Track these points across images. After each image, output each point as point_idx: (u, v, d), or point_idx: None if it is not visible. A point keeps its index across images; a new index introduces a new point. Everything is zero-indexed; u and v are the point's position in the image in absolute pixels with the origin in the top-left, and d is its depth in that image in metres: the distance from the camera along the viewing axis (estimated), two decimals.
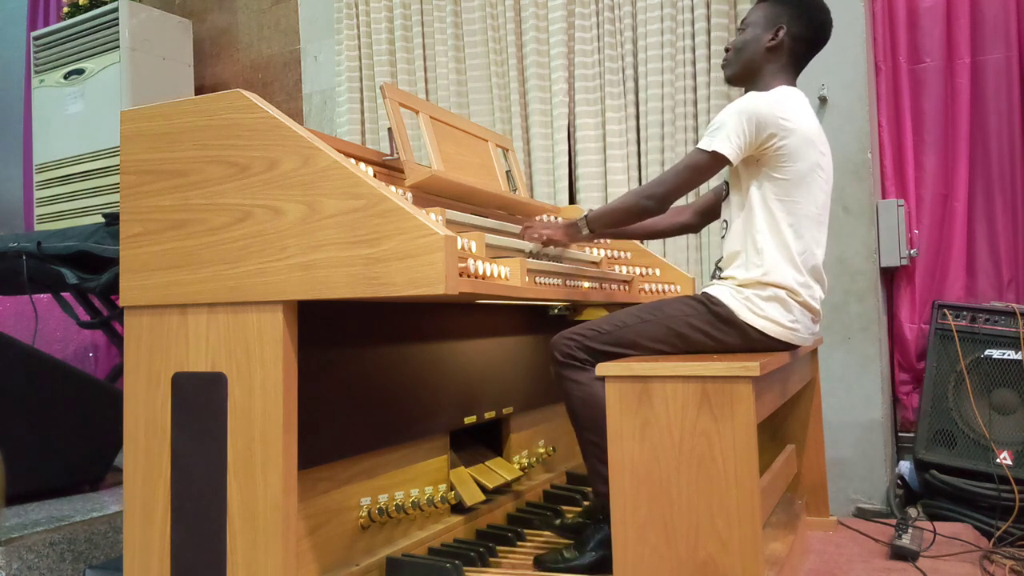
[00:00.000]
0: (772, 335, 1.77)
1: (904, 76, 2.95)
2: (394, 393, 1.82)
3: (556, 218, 2.59)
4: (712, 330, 1.77)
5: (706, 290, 1.83)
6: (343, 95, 3.75)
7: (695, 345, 1.78)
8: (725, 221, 1.89)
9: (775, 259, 1.76)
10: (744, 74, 1.93)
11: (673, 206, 2.10)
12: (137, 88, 3.93)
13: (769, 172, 1.77)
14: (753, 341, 1.77)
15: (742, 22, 1.98)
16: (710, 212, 2.24)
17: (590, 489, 2.05)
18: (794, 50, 1.90)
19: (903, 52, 2.95)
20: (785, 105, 1.78)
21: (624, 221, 1.96)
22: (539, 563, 1.83)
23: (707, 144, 1.76)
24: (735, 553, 1.44)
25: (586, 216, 1.97)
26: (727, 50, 2.00)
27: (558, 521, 1.96)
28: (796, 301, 1.78)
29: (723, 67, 2.01)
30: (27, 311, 3.70)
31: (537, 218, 2.46)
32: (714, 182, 2.40)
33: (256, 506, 1.43)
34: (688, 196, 2.79)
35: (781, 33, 1.88)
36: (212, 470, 1.47)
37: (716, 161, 1.76)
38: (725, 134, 1.74)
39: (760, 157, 1.77)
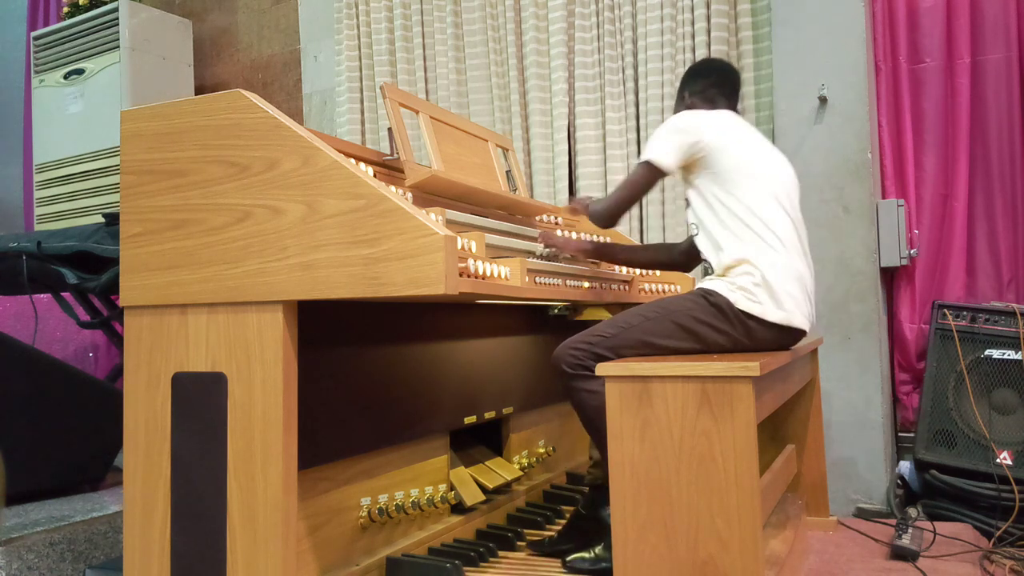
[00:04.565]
0: (770, 320, 1.79)
1: (904, 76, 2.95)
2: (394, 393, 1.82)
3: (557, 219, 2.61)
4: (715, 321, 1.80)
5: (701, 285, 1.88)
6: (343, 95, 3.75)
7: (703, 337, 1.79)
8: (694, 224, 1.97)
9: (736, 242, 1.84)
10: None
11: (672, 245, 2.25)
12: (137, 88, 3.93)
13: (704, 171, 1.90)
14: (752, 330, 1.79)
15: None
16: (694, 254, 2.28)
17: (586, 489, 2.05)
18: (706, 96, 2.08)
19: (903, 52, 2.95)
20: (708, 115, 1.95)
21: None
22: (565, 561, 1.84)
23: (642, 157, 1.94)
24: (735, 553, 1.44)
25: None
26: None
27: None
28: (772, 278, 1.80)
29: None
30: (27, 311, 3.70)
31: (560, 232, 2.49)
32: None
33: (256, 506, 1.43)
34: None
35: (687, 96, 2.10)
36: (212, 470, 1.47)
37: (651, 170, 1.92)
38: (657, 146, 1.91)
39: (695, 161, 1.91)
